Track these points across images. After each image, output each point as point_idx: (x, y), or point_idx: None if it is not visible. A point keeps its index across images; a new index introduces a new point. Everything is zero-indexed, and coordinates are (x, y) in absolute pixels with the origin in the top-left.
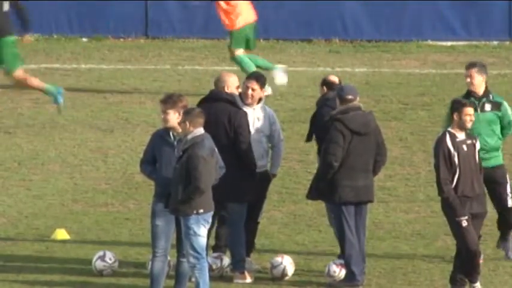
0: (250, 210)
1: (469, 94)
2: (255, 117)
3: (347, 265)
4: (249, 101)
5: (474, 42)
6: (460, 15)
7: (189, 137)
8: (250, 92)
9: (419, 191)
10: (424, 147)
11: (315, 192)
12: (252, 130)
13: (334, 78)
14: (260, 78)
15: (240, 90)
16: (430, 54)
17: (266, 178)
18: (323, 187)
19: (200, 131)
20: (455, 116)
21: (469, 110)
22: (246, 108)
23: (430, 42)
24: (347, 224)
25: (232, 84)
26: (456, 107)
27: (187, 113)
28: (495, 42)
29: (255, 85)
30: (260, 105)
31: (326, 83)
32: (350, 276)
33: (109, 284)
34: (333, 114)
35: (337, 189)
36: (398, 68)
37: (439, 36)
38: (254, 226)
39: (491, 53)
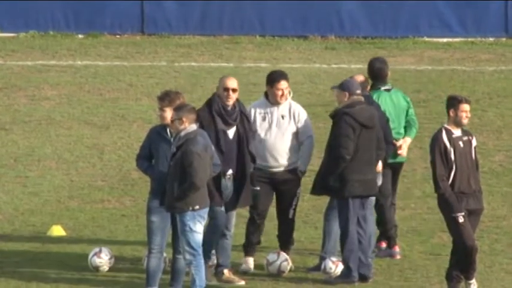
0: (279, 208)
1: None
2: (279, 115)
3: (345, 260)
4: (284, 100)
5: (470, 39)
6: (456, 11)
7: (183, 133)
8: (286, 92)
9: (416, 187)
10: (420, 144)
11: (320, 187)
12: (275, 129)
13: (360, 77)
14: (287, 76)
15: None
16: (426, 51)
17: (294, 176)
18: (333, 182)
19: (193, 127)
20: (451, 113)
21: (465, 107)
22: (270, 107)
23: (426, 38)
24: (352, 219)
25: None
26: (452, 103)
27: (180, 109)
28: (491, 39)
29: (287, 84)
30: (286, 102)
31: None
32: (346, 272)
33: (105, 280)
34: (339, 108)
35: (346, 183)
36: (394, 65)
37: (435, 32)
38: (287, 224)
39: (487, 50)
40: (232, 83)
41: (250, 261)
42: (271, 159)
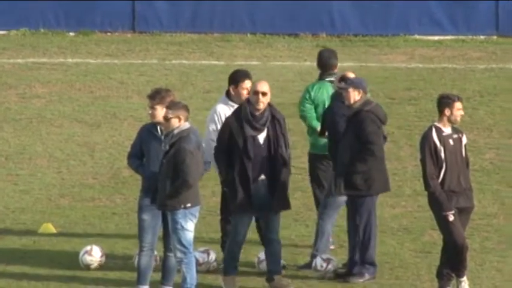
0: None
1: None
2: None
3: (370, 256)
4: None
5: (461, 37)
6: (447, 9)
7: (176, 131)
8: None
9: (406, 185)
10: (410, 141)
11: (345, 186)
12: None
13: (350, 75)
14: (251, 75)
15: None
16: (417, 49)
17: None
18: (359, 180)
19: (186, 125)
20: (446, 112)
21: (460, 105)
22: (236, 107)
23: (417, 36)
24: (374, 216)
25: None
26: (447, 102)
27: (176, 107)
28: (482, 37)
29: (251, 83)
30: None
31: (342, 79)
32: (372, 269)
33: (96, 278)
34: (356, 107)
35: (374, 181)
36: (385, 63)
37: (426, 30)
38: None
39: (478, 48)
40: (261, 86)
41: None
42: None
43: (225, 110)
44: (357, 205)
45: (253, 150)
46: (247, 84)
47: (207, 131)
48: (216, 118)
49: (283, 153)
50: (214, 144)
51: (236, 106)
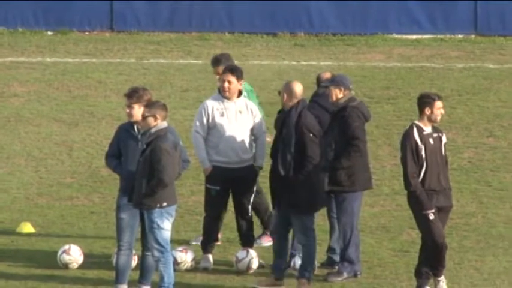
0: (237, 205)
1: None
2: (237, 110)
3: (349, 254)
4: (227, 94)
5: (439, 36)
6: (426, 8)
7: (153, 130)
8: (226, 84)
9: (385, 184)
10: (389, 140)
11: (329, 182)
12: (235, 124)
13: (326, 75)
14: (236, 71)
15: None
16: (396, 48)
17: (252, 172)
18: (343, 176)
19: (164, 124)
20: (426, 111)
21: (440, 104)
22: (226, 102)
23: (395, 35)
24: (357, 214)
25: None
26: (428, 101)
27: (153, 106)
28: (460, 36)
29: (230, 77)
30: (241, 98)
31: (316, 79)
32: (351, 267)
33: (74, 278)
34: (342, 103)
35: (359, 177)
36: (363, 62)
37: (405, 29)
38: (247, 220)
39: (457, 47)
40: None
41: (210, 258)
42: (232, 154)
43: (213, 104)
44: (339, 201)
45: None
46: (226, 76)
47: (194, 122)
48: (203, 111)
49: (309, 154)
50: (199, 136)
51: (225, 100)
